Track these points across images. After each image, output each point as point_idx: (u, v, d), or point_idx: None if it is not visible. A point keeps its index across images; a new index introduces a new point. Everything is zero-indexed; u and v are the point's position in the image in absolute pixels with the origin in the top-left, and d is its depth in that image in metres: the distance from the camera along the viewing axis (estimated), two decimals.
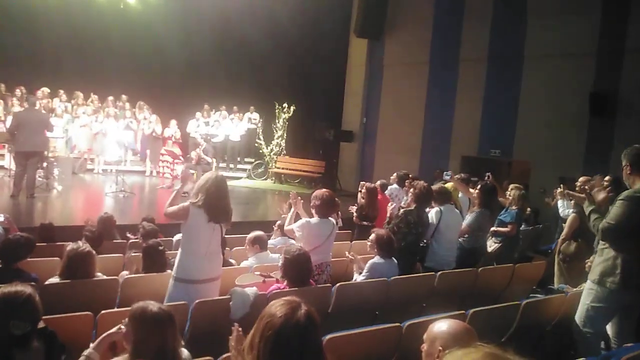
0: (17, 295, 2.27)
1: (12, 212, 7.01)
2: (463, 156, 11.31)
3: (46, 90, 12.12)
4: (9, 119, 10.56)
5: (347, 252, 4.73)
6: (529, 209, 6.96)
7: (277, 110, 13.58)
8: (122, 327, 2.22)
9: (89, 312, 2.92)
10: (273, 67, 13.75)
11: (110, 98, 13.11)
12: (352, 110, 14.00)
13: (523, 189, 6.05)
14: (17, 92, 11.88)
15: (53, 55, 12.77)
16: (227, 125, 13.83)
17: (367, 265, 4.29)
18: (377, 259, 4.32)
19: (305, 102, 13.71)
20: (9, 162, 10.18)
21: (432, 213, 5.07)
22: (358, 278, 4.33)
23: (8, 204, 7.91)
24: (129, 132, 12.48)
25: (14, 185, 8.32)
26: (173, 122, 12.48)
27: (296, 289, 3.46)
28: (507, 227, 5.56)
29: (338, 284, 3.81)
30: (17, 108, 10.93)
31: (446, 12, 11.92)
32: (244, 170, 13.95)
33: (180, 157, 11.68)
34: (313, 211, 4.47)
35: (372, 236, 4.40)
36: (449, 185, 6.12)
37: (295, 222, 4.51)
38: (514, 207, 5.71)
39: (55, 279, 3.61)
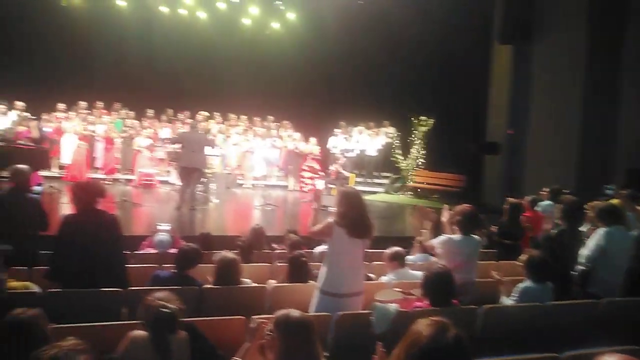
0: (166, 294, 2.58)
1: (177, 222, 7.88)
2: (629, 169, 9.99)
3: (204, 113, 13.52)
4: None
5: (493, 272, 4.44)
6: None
7: (414, 123, 13.42)
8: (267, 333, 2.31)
9: (242, 317, 3.12)
10: (409, 79, 13.66)
11: (258, 119, 14.23)
12: (496, 121, 13.24)
13: None
14: (181, 116, 13.46)
15: (210, 84, 14.16)
16: (364, 140, 14.04)
17: (518, 288, 3.98)
18: (528, 282, 3.98)
19: (444, 114, 13.34)
20: (174, 178, 11.61)
21: (599, 234, 4.51)
22: (506, 301, 4.03)
23: (173, 215, 8.91)
24: (274, 150, 13.35)
25: (179, 198, 9.37)
26: (312, 140, 13.11)
27: (439, 308, 3.33)
28: None
29: (485, 307, 3.58)
30: (181, 131, 12.36)
31: (605, 11, 10.72)
32: (381, 184, 13.98)
33: (320, 172, 12.14)
34: (455, 227, 4.29)
35: (524, 257, 4.07)
36: (614, 202, 5.44)
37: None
38: None
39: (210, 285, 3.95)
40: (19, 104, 11.33)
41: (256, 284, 4.19)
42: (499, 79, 13.25)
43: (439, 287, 3.42)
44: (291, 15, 14.26)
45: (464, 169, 13.06)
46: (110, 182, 11.54)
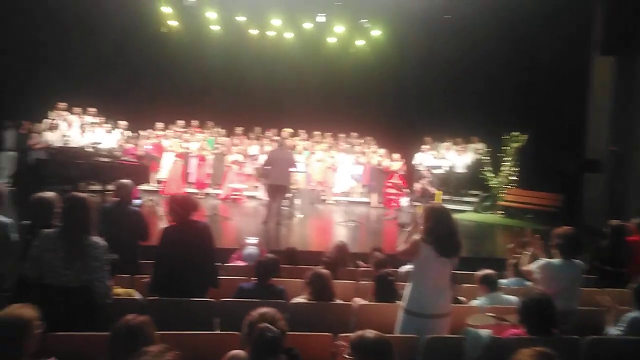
0: (268, 311, 2.56)
1: (263, 236, 8.11)
2: None
3: (289, 130, 13.88)
4: (262, 157, 12.43)
5: (603, 298, 4.07)
6: None
7: (506, 139, 12.85)
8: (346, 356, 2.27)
9: (329, 333, 3.11)
10: (499, 94, 13.11)
11: (342, 135, 14.36)
12: (597, 137, 12.29)
13: None
14: (269, 133, 13.92)
15: (296, 101, 14.52)
16: (451, 156, 13.66)
17: (626, 318, 3.62)
18: (638, 313, 3.62)
19: (538, 129, 12.61)
20: (261, 193, 12.00)
21: None
22: (612, 332, 3.68)
23: (260, 229, 9.17)
24: (357, 166, 13.37)
25: (266, 213, 9.65)
26: (396, 156, 12.98)
27: (537, 337, 3.11)
28: None
29: (590, 337, 3.29)
30: (268, 148, 12.79)
31: None
32: (469, 203, 13.47)
33: (404, 189, 11.94)
34: (555, 251, 4.01)
35: (634, 286, 3.71)
36: None
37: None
38: None
39: (299, 299, 3.99)
40: (122, 123, 12.34)
41: (342, 301, 4.17)
42: (600, 92, 12.30)
43: (537, 314, 3.19)
44: (376, 32, 14.32)
45: (560, 187, 12.21)
46: (202, 197, 12.14)
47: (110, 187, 8.64)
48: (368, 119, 14.25)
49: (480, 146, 13.76)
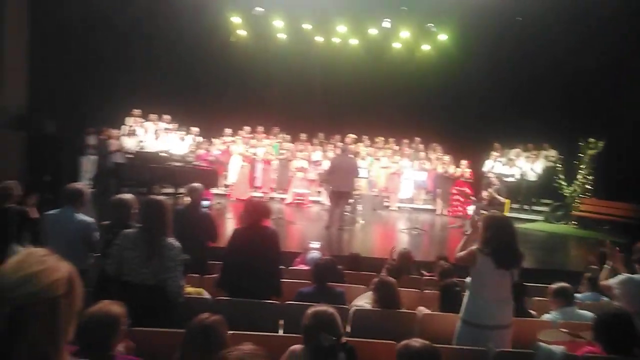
0: (325, 313, 2.58)
1: (326, 241, 8.17)
2: None
3: (352, 136, 13.89)
4: (325, 162, 12.54)
5: None
6: None
7: (582, 146, 12.18)
8: None
9: (393, 341, 3.08)
10: (573, 98, 12.46)
11: (406, 141, 14.20)
12: None
13: None
14: (332, 140, 14.01)
15: (360, 107, 14.54)
16: (522, 163, 13.12)
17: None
18: None
19: (616, 135, 11.85)
20: (325, 198, 12.11)
21: None
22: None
23: (323, 234, 9.24)
24: (422, 172, 13.16)
25: (329, 218, 9.71)
26: (463, 162, 12.65)
27: (616, 356, 2.92)
28: None
29: None
30: (331, 154, 12.89)
31: None
32: (540, 212, 12.87)
33: (472, 197, 11.61)
34: (638, 266, 3.76)
35: None
36: None
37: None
38: None
39: (360, 302, 3.99)
40: (194, 129, 12.88)
41: (405, 310, 4.13)
42: None
43: (616, 331, 3.00)
44: (443, 37, 14.06)
45: None
46: (267, 201, 12.41)
47: (181, 190, 9.05)
48: (433, 125, 14.00)
49: (552, 153, 13.15)
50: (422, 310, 4.13)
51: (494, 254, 3.33)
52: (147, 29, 12.32)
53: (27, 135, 11.03)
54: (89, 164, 11.73)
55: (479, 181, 12.69)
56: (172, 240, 3.42)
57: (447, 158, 13.01)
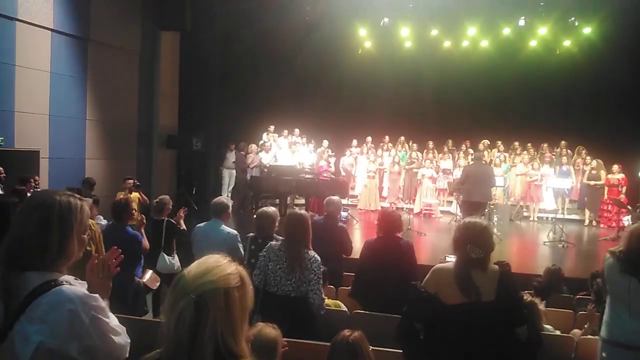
0: (476, 224, 2.72)
1: None
2: None
3: (486, 142, 13.21)
4: (456, 171, 12.07)
5: None
6: None
7: None
8: None
9: None
10: None
11: (545, 145, 13.11)
12: None
13: None
14: (462, 146, 13.47)
15: (493, 111, 13.81)
16: None
17: None
18: None
19: None
20: (455, 208, 11.62)
21: None
22: None
23: None
24: (566, 179, 11.99)
25: None
26: (615, 167, 11.30)
27: None
28: None
29: None
30: (462, 161, 12.37)
31: None
32: None
33: (628, 207, 10.30)
34: None
35: None
36: None
37: None
38: None
39: None
40: (324, 142, 13.25)
41: (559, 332, 3.75)
42: None
43: None
44: (587, 30, 12.78)
45: None
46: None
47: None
48: (577, 126, 12.75)
49: None
50: (577, 333, 3.72)
51: (628, 264, 2.92)
52: (273, 47, 13.00)
53: (177, 152, 12.32)
54: (228, 177, 12.65)
55: (635, 188, 11.23)
56: (313, 253, 3.51)
57: (594, 163, 11.68)
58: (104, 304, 1.57)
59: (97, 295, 1.57)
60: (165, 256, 5.40)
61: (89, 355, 1.49)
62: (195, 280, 1.24)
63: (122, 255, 1.73)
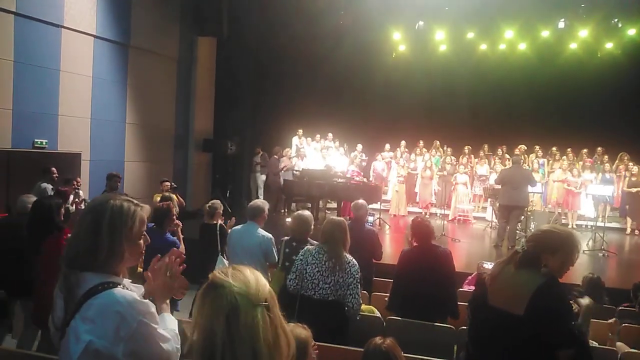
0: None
1: (496, 260, 7.61)
2: None
3: (523, 147, 12.89)
4: (492, 176, 11.83)
5: None
6: None
7: None
8: None
9: None
10: None
11: (585, 150, 12.74)
12: None
13: None
14: (499, 151, 13.20)
15: (530, 115, 13.51)
16: None
17: None
18: None
19: None
20: (490, 214, 11.40)
21: None
22: None
23: (492, 252, 8.68)
24: (606, 186, 11.58)
25: (497, 235, 9.10)
26: None
27: None
28: None
29: None
30: (498, 166, 12.11)
31: None
32: None
33: None
34: None
35: None
36: None
37: None
38: None
39: None
40: (358, 146, 13.20)
41: (598, 344, 3.63)
42: None
43: None
44: (631, 32, 12.35)
45: None
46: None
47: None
48: (618, 131, 12.29)
49: None
50: (622, 347, 3.59)
51: None
52: (307, 51, 13.06)
53: (212, 156, 12.53)
54: (261, 181, 12.76)
55: None
56: (352, 258, 3.51)
57: (636, 169, 11.24)
58: (154, 309, 1.59)
59: (147, 301, 1.59)
60: (224, 259, 5.39)
61: (135, 359, 1.52)
62: (232, 286, 1.21)
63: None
